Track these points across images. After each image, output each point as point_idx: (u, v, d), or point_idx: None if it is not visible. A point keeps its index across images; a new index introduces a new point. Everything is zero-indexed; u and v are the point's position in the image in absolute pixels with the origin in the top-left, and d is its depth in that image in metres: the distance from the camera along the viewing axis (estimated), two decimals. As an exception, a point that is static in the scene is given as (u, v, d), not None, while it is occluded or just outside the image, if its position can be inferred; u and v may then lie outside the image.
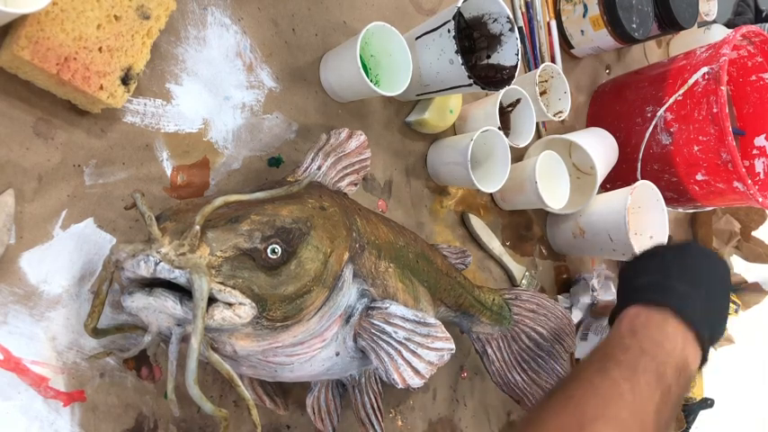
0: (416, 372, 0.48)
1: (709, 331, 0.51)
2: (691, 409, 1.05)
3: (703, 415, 1.07)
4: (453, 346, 0.49)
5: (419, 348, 0.48)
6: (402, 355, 0.48)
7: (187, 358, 0.37)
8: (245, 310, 0.40)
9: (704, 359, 0.51)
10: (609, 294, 0.91)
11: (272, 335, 0.43)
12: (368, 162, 0.57)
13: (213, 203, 0.41)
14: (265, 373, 0.48)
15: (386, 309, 0.49)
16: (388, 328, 0.48)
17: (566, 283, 0.91)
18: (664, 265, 0.55)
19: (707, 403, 1.06)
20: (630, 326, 0.50)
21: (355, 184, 0.57)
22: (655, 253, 0.59)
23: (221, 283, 0.40)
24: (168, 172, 0.52)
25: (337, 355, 0.49)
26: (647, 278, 0.55)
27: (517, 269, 0.82)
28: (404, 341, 0.48)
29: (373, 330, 0.48)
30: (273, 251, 0.42)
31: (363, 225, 0.52)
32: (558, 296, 0.88)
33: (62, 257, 0.46)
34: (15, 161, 0.44)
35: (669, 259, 0.56)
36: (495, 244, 0.79)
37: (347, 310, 0.48)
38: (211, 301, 0.39)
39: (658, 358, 0.46)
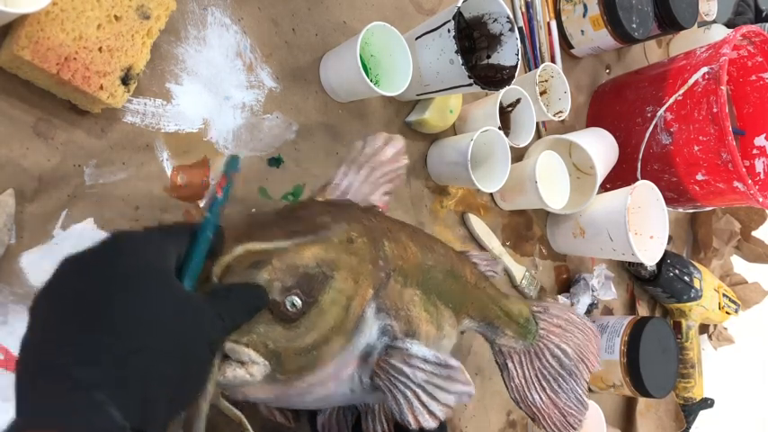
0: (432, 414, 0.45)
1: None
2: (691, 409, 1.05)
3: (703, 415, 1.07)
4: (473, 389, 0.46)
5: (437, 391, 0.45)
6: (419, 398, 0.45)
7: (194, 417, 0.36)
8: (258, 369, 0.39)
9: None
10: (609, 294, 0.91)
11: (285, 384, 0.42)
12: (404, 170, 0.54)
13: (233, 252, 0.40)
14: (277, 405, 0.47)
15: (407, 350, 0.46)
16: (407, 370, 0.45)
17: (566, 283, 0.91)
18: (57, 315, 0.29)
19: (707, 403, 1.06)
20: None
21: (389, 194, 0.53)
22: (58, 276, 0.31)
23: (234, 341, 0.38)
24: (168, 172, 0.52)
25: (352, 392, 0.47)
26: (31, 353, 0.29)
27: (517, 269, 0.82)
28: (423, 383, 0.45)
29: (392, 371, 0.46)
30: (293, 304, 0.40)
31: (391, 249, 0.49)
32: (558, 296, 0.88)
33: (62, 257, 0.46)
34: (15, 161, 0.44)
35: (67, 298, 0.30)
36: (495, 244, 0.79)
37: (366, 349, 0.46)
38: (225, 356, 0.39)
39: None
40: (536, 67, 0.86)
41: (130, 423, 0.27)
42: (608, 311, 0.98)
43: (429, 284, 0.52)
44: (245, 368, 0.39)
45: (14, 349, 0.43)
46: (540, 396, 0.63)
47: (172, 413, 0.31)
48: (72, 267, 0.31)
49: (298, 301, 0.40)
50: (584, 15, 0.89)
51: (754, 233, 1.18)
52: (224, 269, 0.39)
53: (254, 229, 0.43)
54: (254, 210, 0.57)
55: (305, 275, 0.41)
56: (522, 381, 0.63)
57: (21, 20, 0.41)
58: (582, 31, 0.90)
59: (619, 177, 0.91)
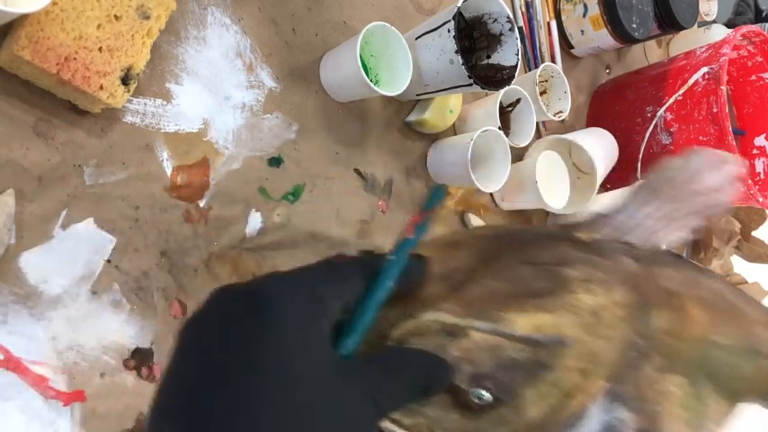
0: None
1: None
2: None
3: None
4: None
5: None
6: None
7: None
8: None
9: None
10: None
11: None
12: (729, 197, 0.39)
13: (420, 319, 0.31)
14: None
15: None
16: None
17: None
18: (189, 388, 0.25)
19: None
20: None
21: (692, 231, 0.38)
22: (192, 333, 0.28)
23: (395, 421, 0.30)
24: (168, 172, 0.52)
25: None
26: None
27: (517, 269, 0.82)
28: None
29: None
30: (479, 398, 0.30)
31: (663, 321, 0.34)
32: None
33: (62, 257, 0.46)
34: (15, 161, 0.44)
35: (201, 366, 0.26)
36: (495, 244, 0.79)
37: None
38: None
39: None
40: (536, 67, 0.86)
41: None
42: (608, 311, 0.98)
43: (705, 370, 0.36)
44: None
45: (14, 349, 0.43)
46: None
47: None
48: (220, 302, 0.27)
49: (487, 397, 0.30)
50: (584, 15, 0.89)
51: (754, 233, 1.18)
52: (405, 333, 0.31)
53: (457, 277, 0.33)
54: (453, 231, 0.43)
55: (509, 363, 0.30)
56: None
57: (21, 20, 0.41)
58: (582, 31, 0.90)
59: (619, 177, 0.91)
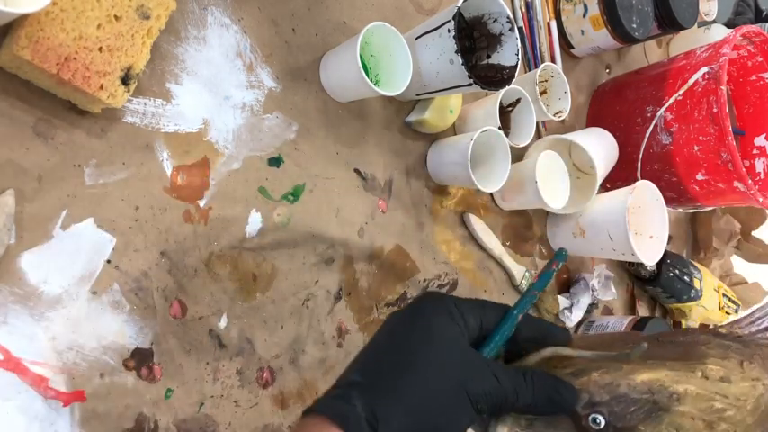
0: None
1: None
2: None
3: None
4: None
5: None
6: None
7: None
8: None
9: None
10: (609, 294, 0.91)
11: None
12: None
13: (541, 353, 0.38)
14: None
15: None
16: None
17: (566, 284, 0.91)
18: (371, 349, 0.38)
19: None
20: None
21: None
22: (389, 323, 0.39)
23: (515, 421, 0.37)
24: (168, 172, 0.52)
25: None
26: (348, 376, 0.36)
27: (517, 269, 0.82)
28: None
29: None
30: (594, 421, 0.36)
31: None
32: (558, 296, 0.88)
33: (62, 257, 0.46)
34: (15, 161, 0.44)
35: (379, 341, 0.38)
36: (495, 244, 0.79)
37: None
38: None
39: None
40: (536, 67, 0.86)
41: (367, 418, 0.32)
42: (608, 311, 0.98)
43: None
44: None
45: (14, 349, 0.43)
46: None
47: None
48: (398, 314, 0.39)
49: (600, 420, 0.36)
50: (584, 15, 0.89)
51: (754, 233, 1.18)
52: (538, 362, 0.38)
53: (602, 341, 0.40)
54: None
55: (623, 397, 0.36)
56: None
57: (21, 20, 0.41)
58: (582, 31, 0.90)
59: (619, 177, 0.91)
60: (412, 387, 0.33)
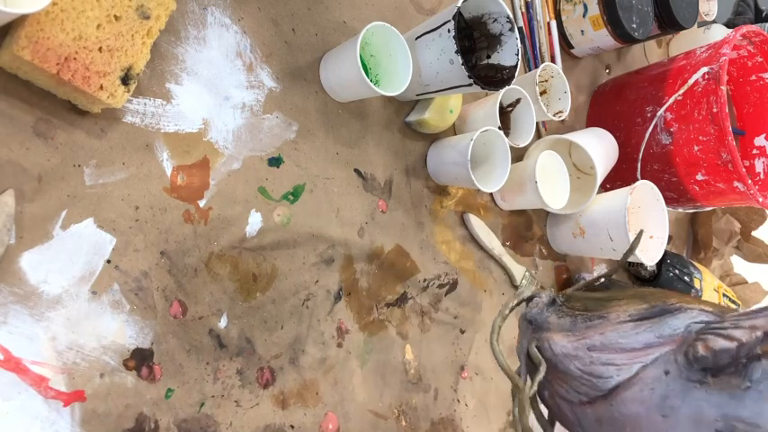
0: None
1: None
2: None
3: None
4: None
5: None
6: None
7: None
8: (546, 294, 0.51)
9: None
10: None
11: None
12: None
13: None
14: (585, 389, 0.45)
15: None
16: None
17: (566, 283, 0.91)
18: None
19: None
20: None
21: None
22: None
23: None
24: (168, 172, 0.52)
25: (667, 374, 0.40)
26: None
27: (517, 269, 0.82)
28: None
29: None
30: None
31: None
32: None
33: (62, 257, 0.46)
34: (15, 161, 0.44)
35: None
36: (495, 244, 0.79)
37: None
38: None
39: None
40: (536, 67, 0.86)
41: None
42: (608, 311, 0.98)
43: None
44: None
45: (14, 349, 0.43)
46: None
47: None
48: None
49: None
50: (584, 15, 0.89)
51: (754, 233, 1.18)
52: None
53: None
54: None
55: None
56: None
57: (21, 20, 0.41)
58: (582, 31, 0.90)
59: (619, 177, 0.91)
60: None
